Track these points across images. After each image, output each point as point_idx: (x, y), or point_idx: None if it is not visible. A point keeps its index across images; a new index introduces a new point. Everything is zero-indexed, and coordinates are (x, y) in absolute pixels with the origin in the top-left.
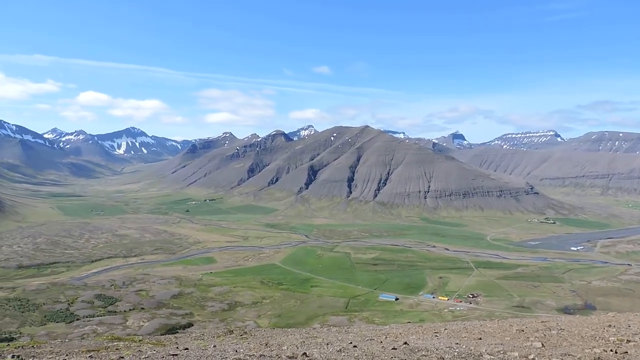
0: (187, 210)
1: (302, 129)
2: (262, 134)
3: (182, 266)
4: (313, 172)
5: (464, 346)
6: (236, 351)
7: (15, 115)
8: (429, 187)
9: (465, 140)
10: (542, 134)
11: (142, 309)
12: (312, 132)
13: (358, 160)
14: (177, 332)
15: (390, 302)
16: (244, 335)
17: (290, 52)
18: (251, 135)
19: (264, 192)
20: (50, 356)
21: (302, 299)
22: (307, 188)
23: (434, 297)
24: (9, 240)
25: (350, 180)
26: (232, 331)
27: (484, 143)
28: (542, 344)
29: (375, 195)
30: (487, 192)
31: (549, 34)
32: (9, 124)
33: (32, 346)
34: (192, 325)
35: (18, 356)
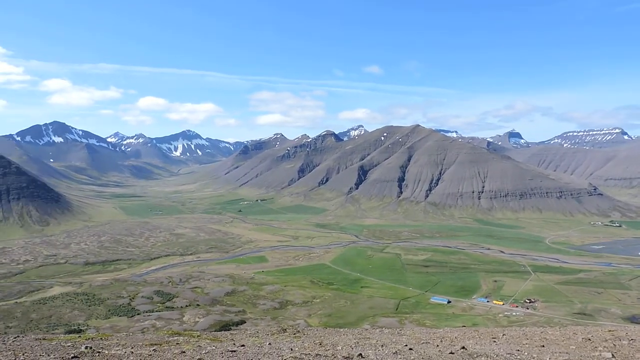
0: (240, 210)
1: (352, 129)
2: (312, 134)
3: (235, 264)
4: (363, 172)
5: (526, 353)
6: (292, 349)
7: (81, 121)
8: (483, 187)
9: (522, 139)
10: (606, 131)
11: (198, 305)
12: (362, 132)
13: (409, 160)
14: (231, 328)
15: (442, 305)
16: (297, 334)
17: (340, 52)
18: (301, 136)
19: (314, 192)
20: (118, 348)
21: (352, 299)
22: (357, 188)
23: (488, 301)
24: (77, 238)
25: (401, 180)
26: (285, 329)
27: (543, 142)
28: (612, 355)
29: (427, 196)
30: (546, 192)
31: (614, 25)
32: (76, 129)
33: (100, 338)
34: (245, 322)
35: (90, 347)
